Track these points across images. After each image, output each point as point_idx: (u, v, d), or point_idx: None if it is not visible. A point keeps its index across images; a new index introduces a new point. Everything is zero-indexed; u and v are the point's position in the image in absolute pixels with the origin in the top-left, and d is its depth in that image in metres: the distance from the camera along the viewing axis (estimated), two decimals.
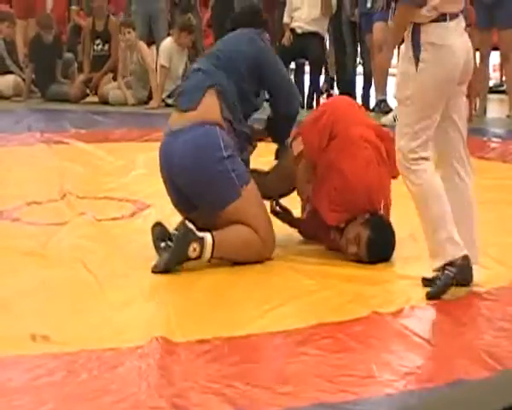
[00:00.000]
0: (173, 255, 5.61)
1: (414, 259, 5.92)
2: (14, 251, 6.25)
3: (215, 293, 5.37)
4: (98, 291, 5.38)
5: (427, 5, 5.15)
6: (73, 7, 14.69)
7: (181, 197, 5.97)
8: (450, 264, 5.25)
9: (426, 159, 5.29)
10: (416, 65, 5.23)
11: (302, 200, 6.46)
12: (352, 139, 5.94)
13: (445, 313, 5.00)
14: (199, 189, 5.83)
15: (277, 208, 6.49)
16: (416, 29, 5.21)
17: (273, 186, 6.48)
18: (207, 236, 5.66)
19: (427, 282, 5.39)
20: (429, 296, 5.26)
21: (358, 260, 5.89)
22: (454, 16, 5.25)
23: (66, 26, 14.72)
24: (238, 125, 5.99)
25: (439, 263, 5.29)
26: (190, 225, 5.64)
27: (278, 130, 6.47)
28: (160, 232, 5.81)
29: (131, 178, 8.47)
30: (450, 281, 5.22)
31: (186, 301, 5.20)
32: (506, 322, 4.82)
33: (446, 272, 5.22)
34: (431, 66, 5.23)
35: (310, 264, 5.89)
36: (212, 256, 5.67)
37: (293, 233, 6.49)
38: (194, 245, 5.60)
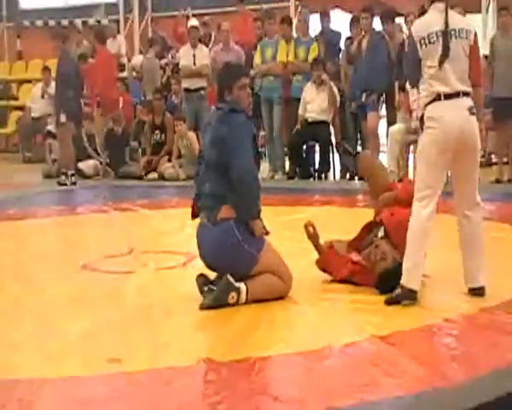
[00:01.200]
0: (216, 301, 5.63)
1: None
2: (93, 294, 6.32)
3: (248, 323, 5.36)
4: (158, 324, 5.44)
5: (426, 91, 5.63)
6: (138, 106, 14.84)
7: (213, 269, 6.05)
8: (401, 286, 5.56)
9: (422, 206, 5.58)
10: (422, 130, 5.63)
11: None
12: None
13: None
14: (227, 269, 5.79)
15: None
16: (424, 109, 5.63)
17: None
18: (242, 286, 5.69)
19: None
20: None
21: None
22: (450, 96, 5.56)
23: (132, 121, 14.84)
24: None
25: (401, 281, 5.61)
26: (230, 279, 5.66)
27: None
28: (202, 281, 5.85)
29: (183, 236, 8.48)
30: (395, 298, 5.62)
31: (226, 330, 5.20)
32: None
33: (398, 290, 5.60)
34: (429, 130, 5.56)
35: (320, 299, 5.89)
36: (246, 301, 5.70)
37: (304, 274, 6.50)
38: (233, 294, 5.64)
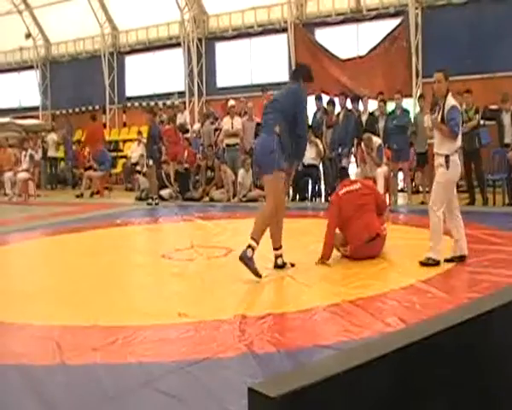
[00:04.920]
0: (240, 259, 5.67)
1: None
2: (167, 273, 6.35)
3: (264, 293, 5.38)
4: (208, 291, 5.44)
5: (454, 145, 5.86)
6: (198, 155, 14.88)
7: (256, 166, 6.22)
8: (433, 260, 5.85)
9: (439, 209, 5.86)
10: (447, 168, 5.80)
11: None
12: None
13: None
14: (260, 162, 6.02)
15: None
16: (447, 155, 5.81)
17: None
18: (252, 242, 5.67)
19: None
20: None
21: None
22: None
23: (193, 164, 14.87)
24: (284, 140, 5.87)
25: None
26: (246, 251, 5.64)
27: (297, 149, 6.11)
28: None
29: (225, 236, 8.51)
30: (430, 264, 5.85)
31: (251, 297, 5.22)
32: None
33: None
34: (453, 170, 5.84)
35: (312, 277, 5.83)
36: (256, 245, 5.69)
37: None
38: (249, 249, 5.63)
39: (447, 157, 5.82)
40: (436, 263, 5.81)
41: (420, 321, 4.32)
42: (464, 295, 4.79)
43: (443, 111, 5.95)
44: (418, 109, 12.14)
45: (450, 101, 5.96)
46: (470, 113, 10.78)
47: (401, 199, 11.64)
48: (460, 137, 5.98)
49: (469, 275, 5.54)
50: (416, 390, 1.30)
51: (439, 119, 5.98)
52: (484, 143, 10.99)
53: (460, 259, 5.92)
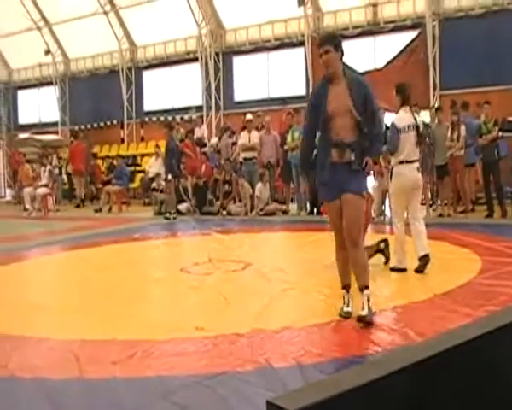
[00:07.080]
0: None
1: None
2: (185, 287, 6.34)
3: (285, 307, 5.36)
4: (226, 305, 5.43)
5: (396, 158, 6.27)
6: (215, 169, 14.91)
7: None
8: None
9: (399, 220, 6.39)
10: (391, 180, 6.37)
11: None
12: None
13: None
14: None
15: None
16: (392, 167, 6.38)
17: None
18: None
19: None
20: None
21: None
22: (408, 162, 6.27)
23: (211, 178, 14.90)
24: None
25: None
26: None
27: None
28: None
29: (242, 250, 8.51)
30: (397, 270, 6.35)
31: (269, 309, 5.20)
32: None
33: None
34: (395, 181, 6.32)
35: (333, 289, 5.83)
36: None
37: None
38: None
39: (391, 168, 6.41)
40: (401, 270, 6.29)
41: (438, 334, 4.31)
42: (483, 308, 4.74)
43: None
44: (436, 121, 12.09)
45: (396, 116, 6.50)
46: (489, 125, 10.70)
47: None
48: (403, 149, 6.27)
49: (488, 288, 5.48)
50: (433, 404, 1.30)
51: None
52: (502, 155, 10.92)
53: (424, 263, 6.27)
